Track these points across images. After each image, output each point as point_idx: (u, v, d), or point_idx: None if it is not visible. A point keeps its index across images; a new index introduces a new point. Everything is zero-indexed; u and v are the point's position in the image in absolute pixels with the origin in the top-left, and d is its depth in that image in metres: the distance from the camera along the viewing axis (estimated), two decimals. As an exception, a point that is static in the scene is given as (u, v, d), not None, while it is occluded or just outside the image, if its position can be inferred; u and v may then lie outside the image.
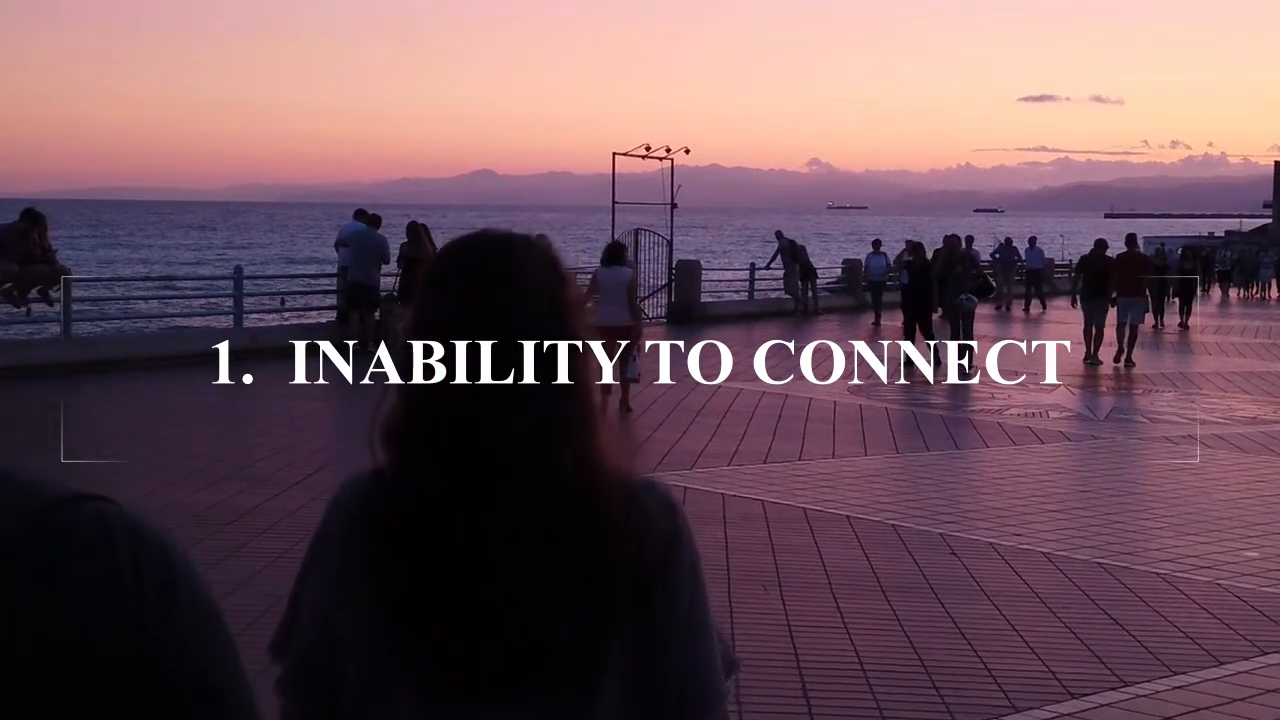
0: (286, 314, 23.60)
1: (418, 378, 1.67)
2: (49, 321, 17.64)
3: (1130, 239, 22.58)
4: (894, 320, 26.96)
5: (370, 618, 1.63)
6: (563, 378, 1.66)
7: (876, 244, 31.42)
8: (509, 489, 1.62)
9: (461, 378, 1.64)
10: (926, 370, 18.76)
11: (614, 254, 14.76)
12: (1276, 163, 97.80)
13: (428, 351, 1.66)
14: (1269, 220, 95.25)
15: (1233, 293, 43.95)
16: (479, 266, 1.70)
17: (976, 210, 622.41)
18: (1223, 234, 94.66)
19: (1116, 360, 20.50)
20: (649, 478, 1.76)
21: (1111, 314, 20.92)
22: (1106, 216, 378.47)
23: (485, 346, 1.64)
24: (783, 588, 7.51)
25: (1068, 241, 70.37)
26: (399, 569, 1.62)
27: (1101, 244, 21.50)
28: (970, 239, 25.24)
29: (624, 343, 14.05)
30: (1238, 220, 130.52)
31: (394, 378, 1.71)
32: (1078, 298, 21.57)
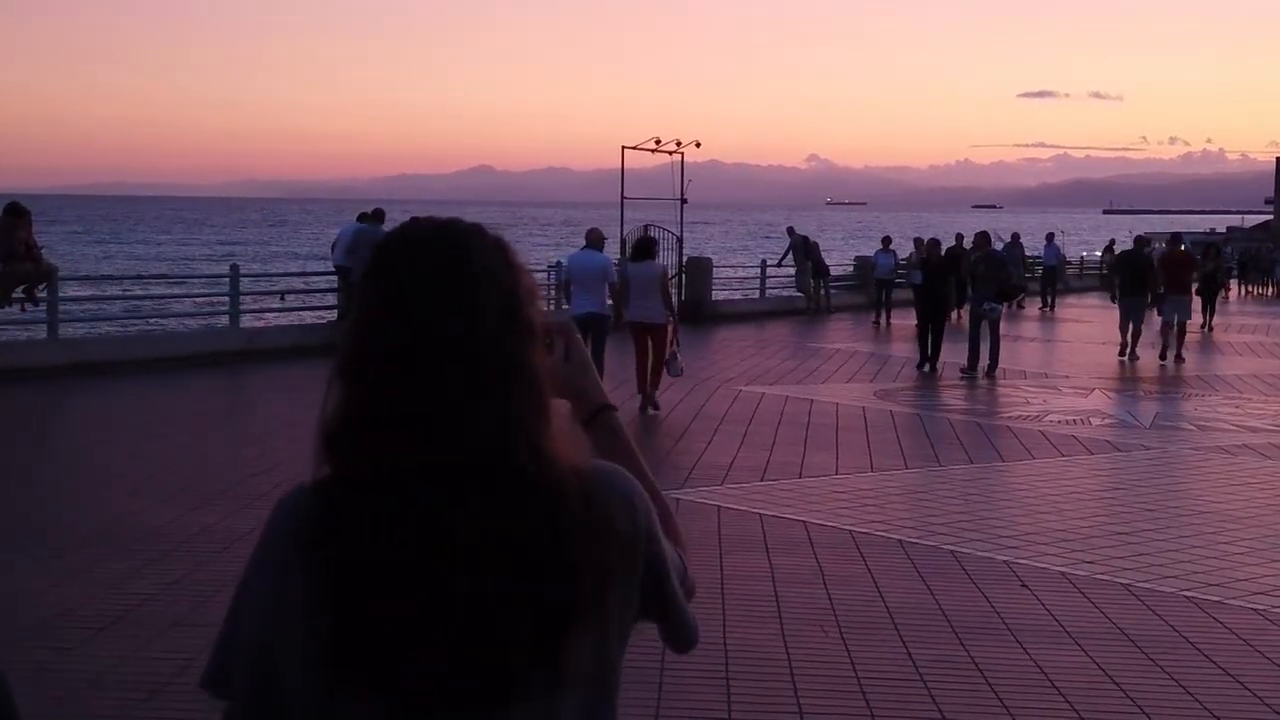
0: (285, 314, 22.74)
1: (363, 378, 1.60)
2: (35, 322, 16.79)
3: (1175, 237, 22.00)
4: (901, 319, 26.19)
5: (318, 631, 1.56)
6: (515, 373, 1.60)
7: (886, 241, 30.48)
8: (461, 490, 1.56)
9: (410, 376, 1.57)
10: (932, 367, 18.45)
11: (643, 249, 14.36)
12: (1278, 158, 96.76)
13: (374, 350, 1.59)
14: (1270, 216, 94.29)
15: (1244, 290, 43.08)
16: (428, 260, 1.62)
17: (975, 206, 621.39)
18: (1224, 230, 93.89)
19: (1163, 359, 20.39)
20: (607, 468, 1.69)
21: (1150, 313, 20.68)
22: (1105, 213, 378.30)
23: (434, 343, 1.58)
24: (842, 628, 6.69)
25: (1069, 238, 69.61)
26: (346, 578, 1.55)
27: (1141, 241, 20.95)
28: (986, 235, 24.00)
29: (668, 338, 13.89)
30: (1239, 216, 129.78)
31: (337, 378, 1.62)
32: (1117, 295, 21.27)
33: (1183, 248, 22.60)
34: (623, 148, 25.48)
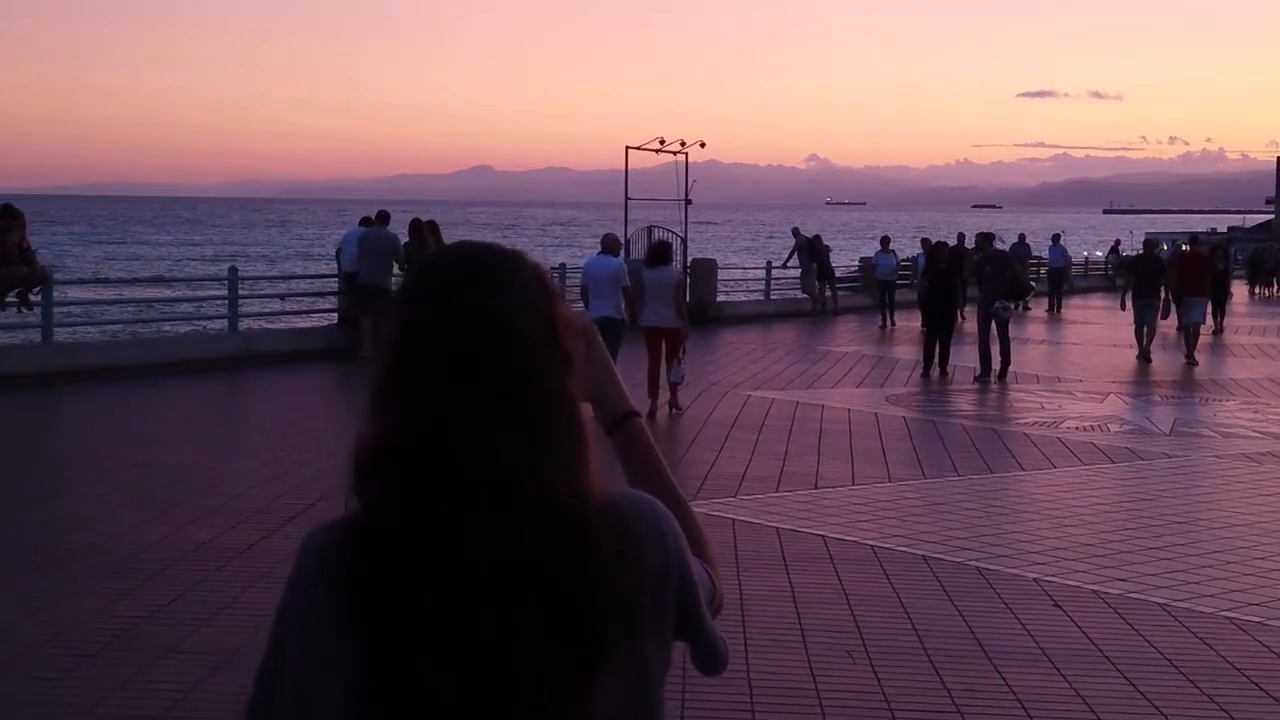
0: (285, 318, 22.38)
1: (397, 400, 1.55)
2: (29, 326, 16.46)
3: (1194, 239, 21.81)
4: (906, 320, 25.92)
5: (349, 671, 1.52)
6: (551, 398, 1.56)
7: (885, 241, 30.03)
8: (489, 521, 1.50)
9: (445, 397, 1.53)
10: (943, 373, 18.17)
11: (659, 254, 14.42)
12: (1279, 158, 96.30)
13: (408, 371, 1.56)
14: (1271, 216, 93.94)
15: (1254, 291, 42.69)
16: (465, 281, 1.59)
17: (975, 206, 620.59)
18: (1225, 230, 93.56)
19: (1186, 360, 20.37)
20: (633, 498, 1.64)
21: (1157, 313, 20.66)
22: (1105, 212, 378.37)
23: (470, 365, 1.54)
24: (870, 654, 6.37)
25: (1069, 238, 69.23)
26: (374, 615, 1.50)
27: (1151, 244, 20.74)
28: (990, 236, 23.23)
29: (679, 344, 14.00)
30: (1241, 216, 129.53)
31: (372, 401, 1.57)
32: (1127, 297, 21.18)
33: (1186, 247, 22.51)
34: (627, 148, 25.19)
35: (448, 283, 1.60)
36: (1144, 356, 20.51)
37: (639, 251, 21.72)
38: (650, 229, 25.28)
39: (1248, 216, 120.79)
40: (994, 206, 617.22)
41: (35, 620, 6.65)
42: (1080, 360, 21.20)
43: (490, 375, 1.54)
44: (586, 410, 1.69)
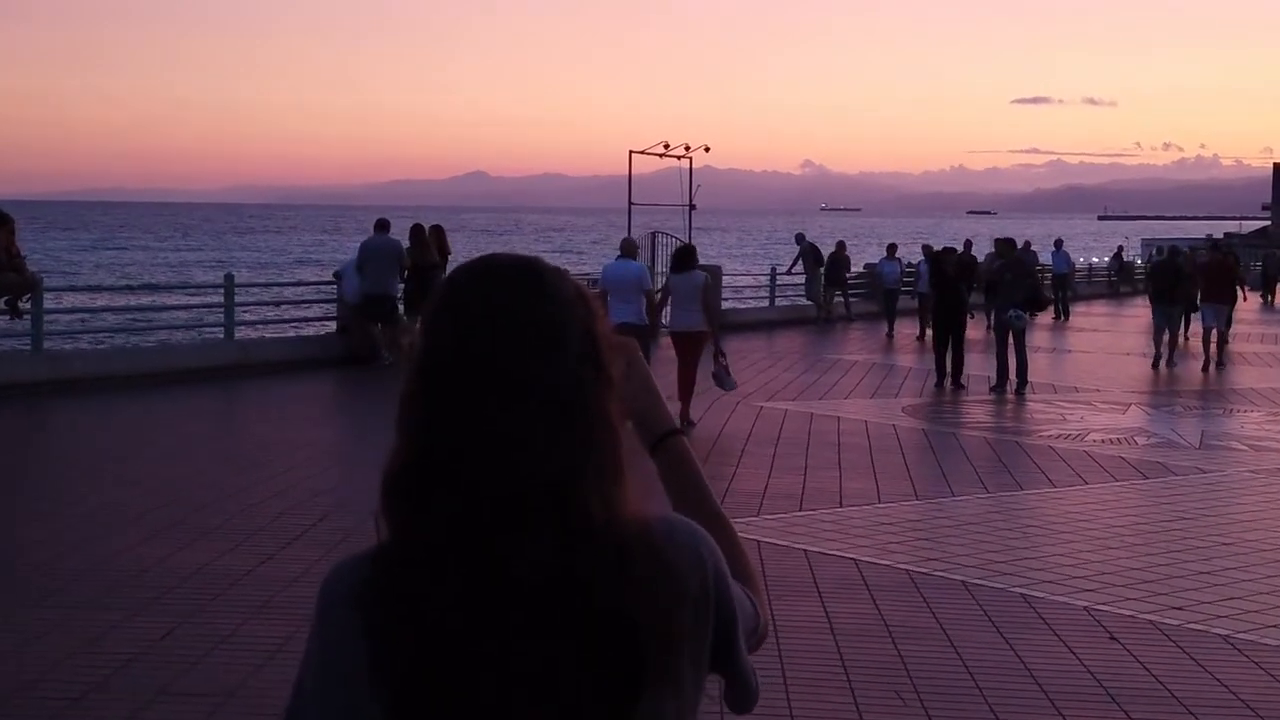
0: (283, 325, 21.84)
1: (431, 418, 1.49)
2: (18, 335, 15.96)
3: (1216, 243, 21.59)
4: (909, 328, 25.50)
5: (386, 706, 1.47)
6: (590, 416, 1.50)
7: (891, 249, 29.56)
8: (525, 543, 1.45)
9: (482, 415, 1.47)
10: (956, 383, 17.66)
11: (684, 258, 14.12)
12: (1276, 164, 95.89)
13: (445, 388, 1.49)
14: (1268, 223, 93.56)
15: (1267, 297, 42.24)
16: (506, 295, 1.52)
17: (970, 212, 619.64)
18: (1221, 236, 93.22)
19: (1205, 370, 20.16)
20: (673, 523, 1.57)
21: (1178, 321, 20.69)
22: (1099, 219, 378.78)
23: (509, 382, 1.47)
24: (920, 693, 5.90)
25: (1066, 245, 68.82)
26: (402, 648, 1.45)
27: (1174, 250, 20.49)
28: (1011, 242, 22.73)
29: (706, 348, 13.68)
30: (1237, 222, 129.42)
31: (403, 419, 1.51)
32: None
33: (1187, 251, 22.35)
34: (630, 152, 24.75)
35: (488, 295, 1.52)
36: (1168, 363, 20.34)
37: (641, 257, 21.29)
38: (654, 234, 24.87)
39: (1243, 222, 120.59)
40: (989, 213, 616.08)
41: (21, 656, 6.17)
42: (1094, 369, 20.77)
43: (529, 392, 1.48)
44: (628, 431, 1.61)
